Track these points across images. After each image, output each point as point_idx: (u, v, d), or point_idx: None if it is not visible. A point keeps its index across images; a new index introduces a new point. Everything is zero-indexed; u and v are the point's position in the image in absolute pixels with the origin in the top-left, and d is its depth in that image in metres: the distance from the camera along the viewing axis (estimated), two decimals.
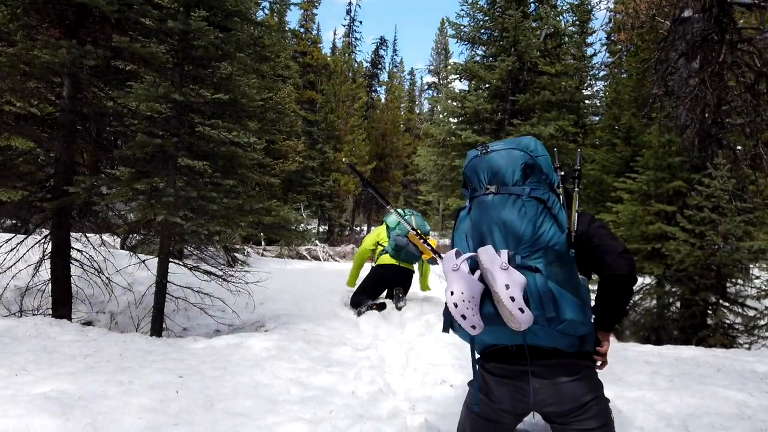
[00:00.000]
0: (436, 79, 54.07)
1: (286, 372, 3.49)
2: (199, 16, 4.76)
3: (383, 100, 45.10)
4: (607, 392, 3.20)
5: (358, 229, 33.16)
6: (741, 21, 8.58)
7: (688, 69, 7.52)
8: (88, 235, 5.93)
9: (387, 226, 5.73)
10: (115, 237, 8.85)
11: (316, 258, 15.44)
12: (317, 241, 15.66)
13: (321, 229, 23.97)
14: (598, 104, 17.87)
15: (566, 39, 14.07)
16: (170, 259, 5.14)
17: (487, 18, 12.12)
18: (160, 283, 4.98)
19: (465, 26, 13.03)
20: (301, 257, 15.69)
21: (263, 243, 13.88)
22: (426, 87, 59.58)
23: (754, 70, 6.93)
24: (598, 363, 1.96)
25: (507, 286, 1.64)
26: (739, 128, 7.05)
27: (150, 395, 2.95)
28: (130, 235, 8.11)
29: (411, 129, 42.40)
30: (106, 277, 5.73)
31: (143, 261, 5.68)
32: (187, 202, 4.39)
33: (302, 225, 19.95)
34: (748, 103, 7.09)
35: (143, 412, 2.74)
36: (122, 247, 9.25)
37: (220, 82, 5.52)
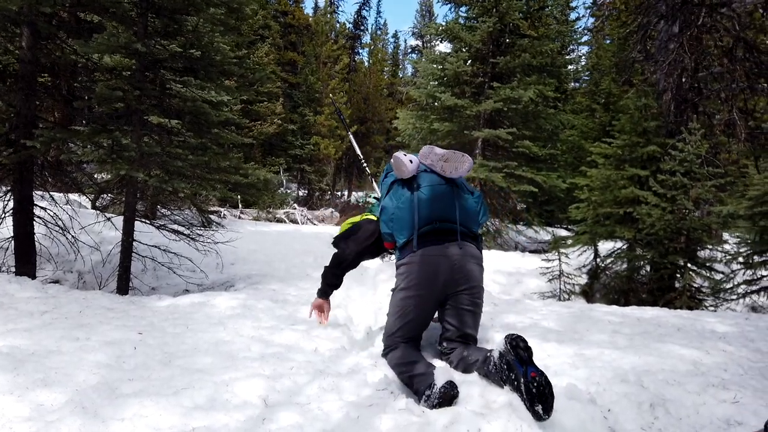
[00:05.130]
0: (420, 43, 53.21)
1: (249, 330, 3.46)
2: None
3: (366, 63, 44.40)
4: (567, 350, 3.26)
5: (338, 194, 33.02)
6: None
7: (667, 33, 7.45)
8: (53, 193, 5.77)
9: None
10: (86, 197, 8.68)
11: (295, 221, 15.36)
12: (296, 205, 15.53)
13: (301, 193, 23.79)
14: (580, 70, 17.80)
15: (550, 1, 13.86)
16: (137, 218, 5.04)
17: None
18: (125, 242, 4.89)
19: None
20: (279, 220, 15.60)
21: (240, 205, 13.73)
22: (410, 50, 58.71)
23: (732, 34, 6.88)
24: None
25: None
26: (714, 94, 7.04)
27: (107, 351, 2.90)
28: (101, 196, 7.95)
29: (394, 93, 41.86)
30: (72, 236, 5.61)
31: (109, 219, 5.56)
32: (150, 158, 4.26)
33: (282, 189, 19.79)
34: (725, 68, 7.07)
35: (98, 368, 2.69)
36: (93, 208, 9.08)
37: (191, 36, 5.32)
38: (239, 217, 13.55)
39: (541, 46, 11.49)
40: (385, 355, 2.97)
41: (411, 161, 3.06)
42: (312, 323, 3.78)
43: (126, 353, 2.92)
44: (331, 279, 3.49)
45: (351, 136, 2.70)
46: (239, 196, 11.75)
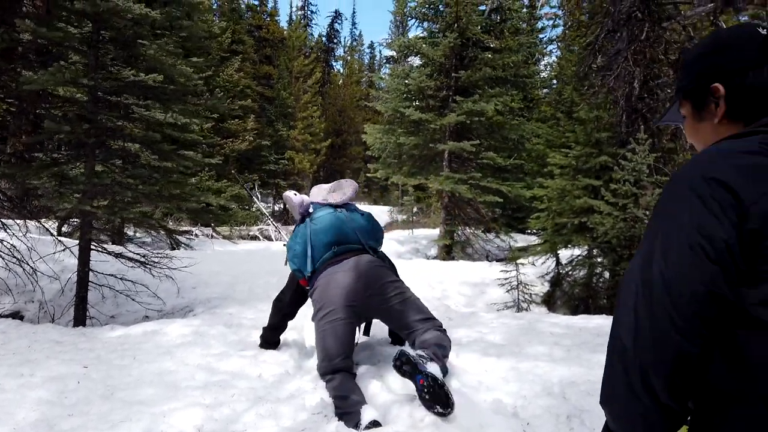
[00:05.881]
0: (394, 53, 53.69)
1: (196, 358, 3.53)
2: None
3: (342, 75, 44.61)
4: (504, 364, 3.39)
5: None
6: None
7: (615, 47, 7.72)
8: (6, 222, 5.77)
9: None
10: (50, 224, 8.65)
11: (269, 238, 15.38)
12: (270, 220, 15.54)
13: (276, 208, 23.77)
14: (546, 78, 18.16)
15: (512, 14, 14.15)
16: (93, 247, 5.08)
17: None
18: (81, 271, 4.92)
19: (411, 1, 13.00)
20: (254, 237, 15.59)
21: (212, 224, 13.72)
22: (384, 61, 59.17)
23: (675, 47, 7.16)
24: None
25: None
26: (661, 104, 7.31)
27: (49, 387, 2.96)
28: (67, 221, 7.91)
29: (371, 103, 42.08)
30: (31, 267, 5.62)
31: (66, 248, 5.58)
32: (101, 188, 4.32)
33: (257, 204, 19.76)
34: (671, 79, 7.34)
35: (39, 405, 2.75)
36: (59, 234, 9.04)
37: (152, 62, 5.39)
38: (212, 237, 13.53)
39: (503, 59, 11.75)
40: (326, 381, 3.06)
41: (301, 199, 3.44)
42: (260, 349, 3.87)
43: (69, 388, 2.98)
44: (272, 339, 3.82)
45: (251, 192, 2.97)
46: (211, 215, 11.78)
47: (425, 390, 2.50)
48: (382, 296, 3.14)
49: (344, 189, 3.53)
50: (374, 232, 3.48)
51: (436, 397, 2.47)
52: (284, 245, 3.67)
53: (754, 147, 0.91)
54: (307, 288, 3.45)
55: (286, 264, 3.65)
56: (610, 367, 1.01)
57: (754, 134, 0.95)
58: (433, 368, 2.58)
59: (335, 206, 3.45)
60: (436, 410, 2.46)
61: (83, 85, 4.50)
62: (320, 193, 3.56)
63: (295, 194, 3.46)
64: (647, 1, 7.59)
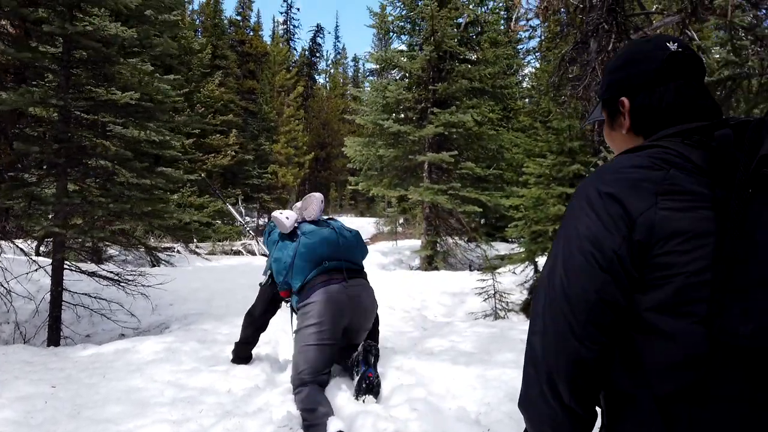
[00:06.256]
0: (377, 66, 54.04)
1: (166, 374, 3.54)
2: (82, 19, 4.68)
3: (326, 88, 44.81)
4: (472, 372, 3.44)
5: None
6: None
7: (585, 57, 7.89)
8: None
9: None
10: (27, 244, 8.58)
11: (252, 252, 15.33)
12: (252, 233, 15.50)
13: (261, 222, 23.70)
14: (525, 88, 18.44)
15: (489, 26, 14.37)
16: (66, 266, 5.07)
17: (406, 8, 12.27)
18: (55, 291, 4.91)
19: (389, 15, 13.18)
20: (237, 252, 15.54)
21: (194, 240, 13.67)
22: (368, 74, 59.54)
23: None
24: None
25: None
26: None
27: (17, 407, 2.95)
28: (43, 241, 7.86)
29: (351, 116, 42.29)
30: (5, 288, 5.58)
31: (41, 267, 5.55)
32: (72, 208, 4.33)
33: (240, 219, 19.70)
34: None
35: (4, 426, 2.75)
36: (37, 254, 8.97)
37: (127, 81, 5.44)
38: (195, 253, 13.47)
39: (480, 71, 11.92)
40: (295, 393, 3.11)
41: (287, 218, 3.50)
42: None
43: (36, 408, 2.98)
44: (244, 354, 3.87)
45: (229, 207, 3.08)
46: (186, 232, 11.76)
47: (367, 382, 3.03)
48: (364, 330, 3.41)
49: (312, 204, 3.61)
50: (361, 249, 3.62)
51: (369, 392, 3.01)
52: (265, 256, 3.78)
53: (644, 162, 0.95)
54: (286, 299, 3.56)
55: (265, 275, 3.71)
56: (525, 371, 1.04)
57: (649, 148, 0.99)
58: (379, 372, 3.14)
59: (316, 222, 3.57)
60: (361, 398, 2.99)
61: (54, 105, 4.52)
62: (295, 212, 3.64)
63: (281, 212, 3.58)
64: (614, 13, 7.79)
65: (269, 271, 3.60)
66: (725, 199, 0.85)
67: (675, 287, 0.86)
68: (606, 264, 0.90)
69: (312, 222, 3.55)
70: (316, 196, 3.64)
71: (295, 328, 3.31)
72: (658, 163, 0.93)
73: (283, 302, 3.68)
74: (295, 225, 3.51)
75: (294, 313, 3.45)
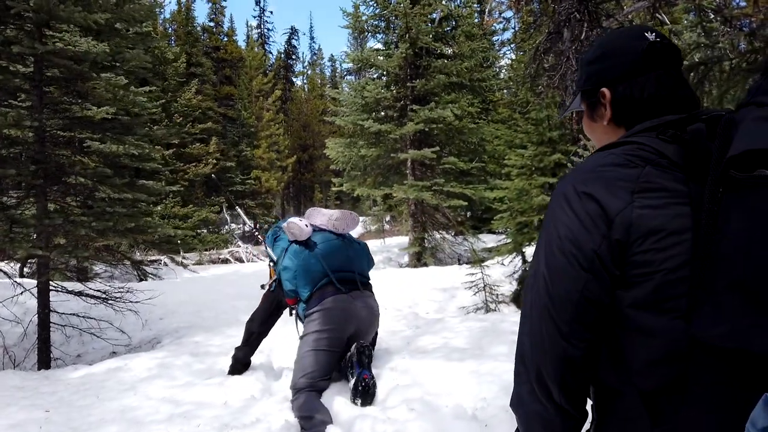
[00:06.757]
0: (355, 66, 53.90)
1: (160, 391, 3.52)
2: (53, 38, 4.61)
3: (305, 90, 44.60)
4: (466, 368, 3.47)
5: None
6: None
7: (559, 47, 7.96)
8: None
9: None
10: (13, 264, 8.46)
11: (240, 260, 15.26)
12: (240, 242, 15.45)
13: (246, 229, 23.58)
14: (502, 79, 18.54)
15: (463, 20, 14.42)
16: (51, 287, 5.01)
17: (379, 7, 12.27)
18: (42, 313, 4.85)
19: (362, 15, 13.17)
20: (225, 261, 15.45)
21: (181, 251, 13.57)
22: (345, 73, 59.37)
23: None
24: None
25: None
26: None
27: None
28: (27, 263, 7.76)
29: (330, 118, 42.14)
30: None
31: (26, 290, 5.48)
32: (54, 228, 4.28)
33: (226, 227, 19.60)
34: None
35: None
36: (21, 275, 8.84)
37: (101, 96, 5.38)
38: (182, 264, 13.37)
39: (456, 66, 11.97)
40: (292, 400, 3.12)
41: (306, 225, 3.51)
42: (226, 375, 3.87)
43: None
44: (244, 360, 3.82)
45: (239, 210, 3.06)
46: (171, 245, 11.69)
47: (362, 385, 3.03)
48: (366, 340, 3.42)
49: (349, 221, 3.65)
50: (369, 262, 3.69)
51: (364, 395, 3.02)
52: (270, 264, 3.72)
53: (620, 159, 0.95)
54: (292, 307, 3.55)
55: (269, 282, 3.68)
56: (516, 371, 1.05)
57: (624, 144, 0.98)
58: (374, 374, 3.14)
59: (335, 233, 3.59)
60: (356, 401, 3.00)
61: (28, 127, 4.46)
62: (318, 216, 3.65)
63: (300, 220, 3.56)
64: (585, 1, 7.86)
65: (275, 277, 3.59)
66: (699, 195, 0.85)
67: (654, 284, 0.87)
68: (587, 264, 0.91)
69: (328, 231, 3.58)
70: (355, 217, 3.72)
71: (300, 334, 3.32)
72: (634, 160, 0.93)
73: (287, 309, 3.66)
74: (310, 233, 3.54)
75: (300, 321, 3.45)
